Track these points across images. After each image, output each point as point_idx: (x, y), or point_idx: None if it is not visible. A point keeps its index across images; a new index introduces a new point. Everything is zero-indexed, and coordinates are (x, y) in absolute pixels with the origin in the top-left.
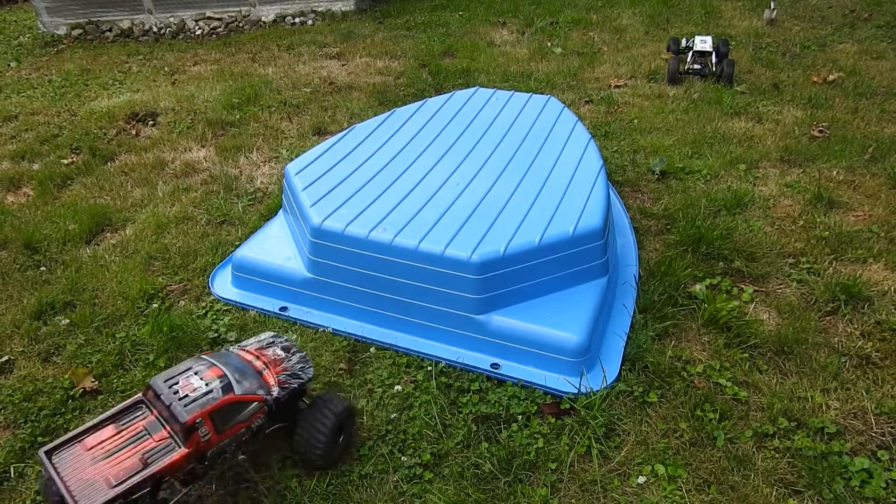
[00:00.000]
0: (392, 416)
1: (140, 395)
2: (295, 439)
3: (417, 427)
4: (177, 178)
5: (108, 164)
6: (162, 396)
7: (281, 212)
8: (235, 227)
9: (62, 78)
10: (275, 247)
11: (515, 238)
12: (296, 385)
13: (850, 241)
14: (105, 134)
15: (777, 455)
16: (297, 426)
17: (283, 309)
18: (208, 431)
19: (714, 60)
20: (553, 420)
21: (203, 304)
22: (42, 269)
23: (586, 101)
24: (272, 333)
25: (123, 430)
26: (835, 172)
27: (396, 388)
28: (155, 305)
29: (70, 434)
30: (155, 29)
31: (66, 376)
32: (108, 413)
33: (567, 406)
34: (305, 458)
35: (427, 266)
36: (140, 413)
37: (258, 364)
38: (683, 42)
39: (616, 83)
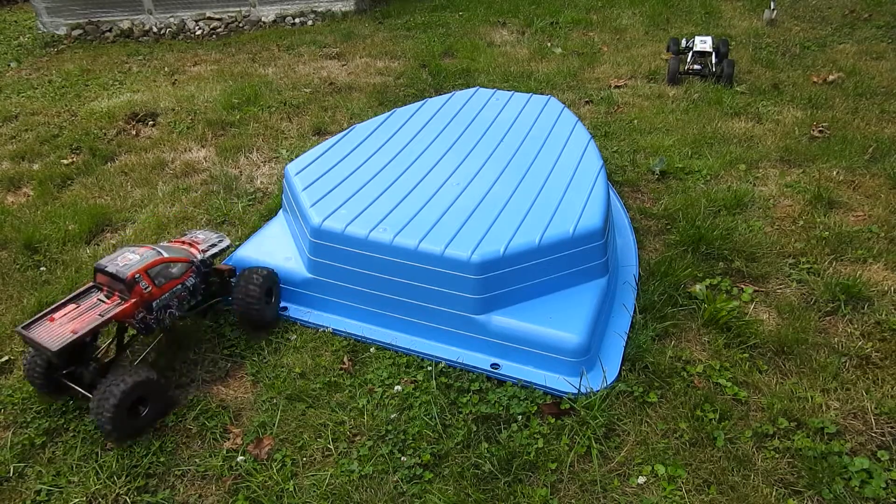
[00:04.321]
0: (392, 416)
1: (90, 283)
2: (233, 303)
3: (417, 427)
4: (177, 178)
5: (108, 164)
6: (107, 268)
7: (281, 212)
8: (235, 227)
9: (62, 78)
10: (274, 247)
11: (515, 238)
12: (216, 250)
13: (850, 241)
14: (105, 134)
15: (777, 455)
16: (233, 293)
17: (283, 309)
18: (148, 285)
19: (714, 60)
20: (553, 420)
21: None
22: (42, 269)
23: (586, 102)
24: (189, 230)
25: (81, 304)
26: (835, 172)
27: (396, 388)
28: None
29: (38, 315)
30: (155, 29)
31: None
32: (66, 298)
33: (567, 406)
34: (244, 316)
35: (427, 266)
36: (93, 294)
37: (184, 245)
38: (683, 42)
39: (616, 83)
